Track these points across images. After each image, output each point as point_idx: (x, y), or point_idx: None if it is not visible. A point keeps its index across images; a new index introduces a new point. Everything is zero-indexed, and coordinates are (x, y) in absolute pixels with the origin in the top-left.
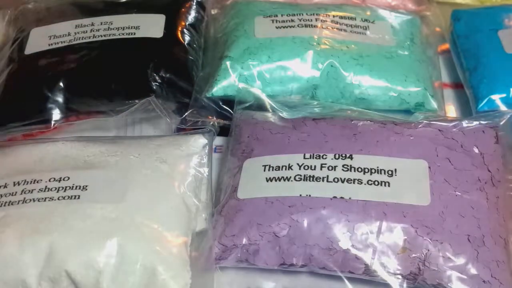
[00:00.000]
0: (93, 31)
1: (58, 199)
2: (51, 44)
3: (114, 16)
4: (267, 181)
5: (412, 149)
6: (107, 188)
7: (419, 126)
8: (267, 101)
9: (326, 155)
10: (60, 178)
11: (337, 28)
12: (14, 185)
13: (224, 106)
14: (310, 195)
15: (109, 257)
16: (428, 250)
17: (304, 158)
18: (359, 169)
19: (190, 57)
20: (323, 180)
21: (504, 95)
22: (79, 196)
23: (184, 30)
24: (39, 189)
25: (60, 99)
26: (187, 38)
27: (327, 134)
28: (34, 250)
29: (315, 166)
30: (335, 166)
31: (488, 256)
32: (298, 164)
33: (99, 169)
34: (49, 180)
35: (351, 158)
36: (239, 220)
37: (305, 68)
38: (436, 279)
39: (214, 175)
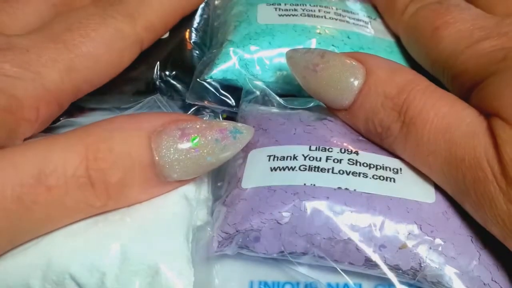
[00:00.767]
0: None
1: None
2: None
3: None
4: (272, 170)
5: None
6: None
7: None
8: (274, 95)
9: (332, 148)
10: None
11: (339, 20)
12: None
13: (224, 92)
14: (314, 185)
15: (113, 258)
16: (431, 248)
17: (310, 149)
18: (365, 164)
19: (196, 55)
20: (328, 171)
21: None
22: None
23: (190, 29)
24: None
25: None
26: (192, 36)
27: (333, 130)
28: (36, 253)
29: (320, 158)
30: (340, 159)
31: (490, 259)
32: (303, 155)
33: None
34: None
35: (357, 154)
36: (242, 209)
37: None
38: (436, 277)
39: None
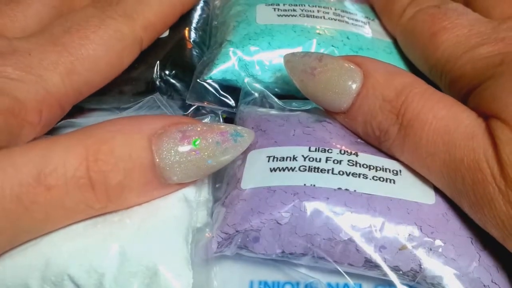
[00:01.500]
0: None
1: None
2: None
3: None
4: (271, 171)
5: None
6: None
7: None
8: (272, 97)
9: (331, 149)
10: None
11: (338, 20)
12: None
13: (223, 92)
14: (314, 185)
15: (111, 259)
16: (431, 249)
17: (310, 150)
18: (365, 165)
19: (196, 55)
20: (328, 172)
21: None
22: None
23: (189, 28)
24: None
25: None
26: (192, 35)
27: (332, 132)
28: (35, 254)
29: (320, 159)
30: (340, 160)
31: (490, 260)
32: (303, 156)
33: None
34: None
35: (357, 155)
36: (241, 209)
37: None
38: (436, 278)
39: None
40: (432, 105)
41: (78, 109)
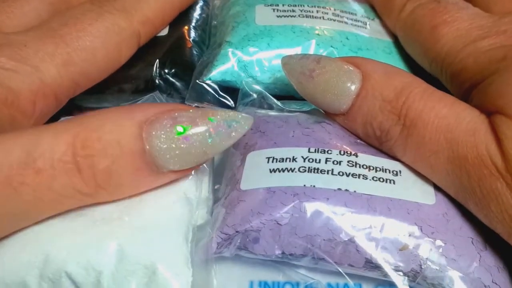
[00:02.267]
0: None
1: None
2: None
3: None
4: (271, 172)
5: None
6: None
7: None
8: (271, 98)
9: (331, 150)
10: None
11: (337, 21)
12: None
13: (223, 93)
14: (314, 186)
15: (109, 257)
16: (431, 250)
17: (309, 151)
18: (364, 166)
19: (195, 53)
20: (327, 173)
21: None
22: None
23: (189, 27)
24: None
25: None
26: (192, 34)
27: (332, 133)
28: (33, 250)
29: (319, 160)
30: (340, 161)
31: (491, 260)
32: (302, 157)
33: None
34: None
35: (356, 156)
36: (241, 210)
37: None
38: (436, 279)
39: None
40: (433, 105)
41: (77, 108)
